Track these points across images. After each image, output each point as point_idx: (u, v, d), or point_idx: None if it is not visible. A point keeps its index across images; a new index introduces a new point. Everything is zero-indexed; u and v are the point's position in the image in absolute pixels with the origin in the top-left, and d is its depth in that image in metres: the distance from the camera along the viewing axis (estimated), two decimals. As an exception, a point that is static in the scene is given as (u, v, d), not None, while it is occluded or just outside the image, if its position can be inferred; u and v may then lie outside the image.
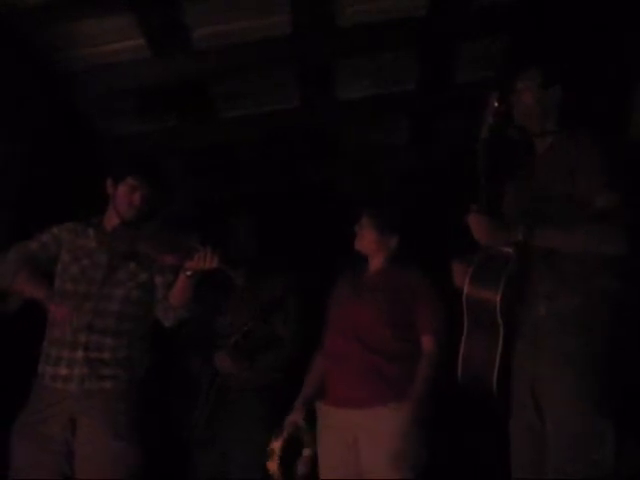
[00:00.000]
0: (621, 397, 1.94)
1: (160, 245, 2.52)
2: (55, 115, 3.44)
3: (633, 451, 2.13)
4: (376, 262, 2.81)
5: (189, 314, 2.65)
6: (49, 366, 2.51)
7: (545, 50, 3.05)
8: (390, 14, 3.16)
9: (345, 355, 2.64)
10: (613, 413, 1.90)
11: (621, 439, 1.89)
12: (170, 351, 3.10)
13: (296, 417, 2.65)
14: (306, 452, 2.64)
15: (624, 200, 1.96)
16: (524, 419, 2.08)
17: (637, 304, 1.99)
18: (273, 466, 2.58)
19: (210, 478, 2.92)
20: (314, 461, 2.63)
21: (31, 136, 3.35)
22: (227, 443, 2.91)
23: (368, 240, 2.79)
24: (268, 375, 3.01)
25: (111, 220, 2.65)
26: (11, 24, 2.98)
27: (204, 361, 3.01)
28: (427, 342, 2.62)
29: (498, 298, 2.00)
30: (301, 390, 2.76)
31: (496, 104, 2.09)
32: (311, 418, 2.70)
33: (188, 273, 2.51)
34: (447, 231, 2.60)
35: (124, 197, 2.61)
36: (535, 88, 2.18)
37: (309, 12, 3.08)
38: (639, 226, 1.96)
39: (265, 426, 2.89)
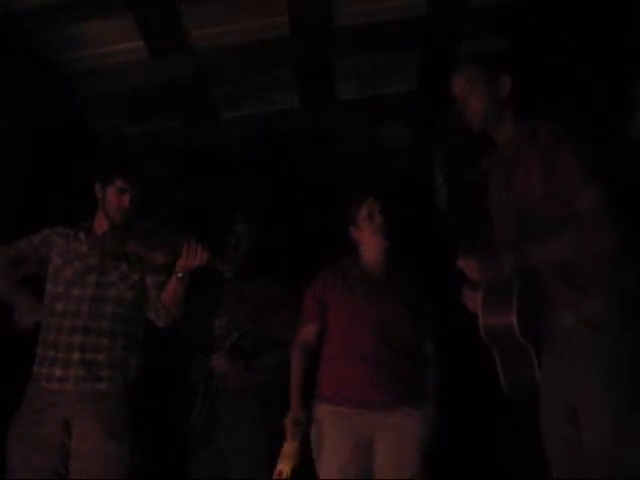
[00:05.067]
0: None
1: (149, 245, 2.55)
2: (55, 116, 3.45)
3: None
4: (372, 254, 2.75)
5: (181, 314, 2.66)
6: (44, 367, 2.52)
7: (545, 52, 3.04)
8: (389, 14, 3.15)
9: (367, 355, 2.58)
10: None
11: None
12: (168, 352, 3.11)
13: (300, 415, 2.62)
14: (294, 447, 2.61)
15: (603, 195, 1.89)
16: (560, 432, 2.02)
17: None
18: (286, 468, 2.54)
19: (208, 478, 2.91)
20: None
21: (31, 136, 3.35)
22: (224, 443, 2.91)
23: (378, 226, 2.72)
24: (265, 375, 3.01)
25: (101, 223, 2.67)
26: (11, 26, 2.98)
27: (201, 362, 3.01)
28: (431, 343, 2.64)
29: (514, 320, 1.94)
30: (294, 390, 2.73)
31: (439, 156, 2.07)
32: None
33: (180, 274, 2.54)
34: (446, 232, 2.58)
35: (113, 200, 2.63)
36: (481, 86, 2.06)
37: (307, 12, 3.07)
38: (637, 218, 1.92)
39: (262, 426, 2.89)
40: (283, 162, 4.16)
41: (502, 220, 2.17)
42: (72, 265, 2.59)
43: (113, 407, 2.49)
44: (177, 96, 3.61)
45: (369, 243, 2.76)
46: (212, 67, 3.38)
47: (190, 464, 2.98)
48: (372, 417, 2.50)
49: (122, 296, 2.60)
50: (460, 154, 2.18)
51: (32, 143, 3.36)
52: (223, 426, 2.93)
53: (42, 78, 3.30)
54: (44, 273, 2.65)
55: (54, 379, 2.49)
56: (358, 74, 3.59)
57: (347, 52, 3.39)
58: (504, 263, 1.96)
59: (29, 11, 2.92)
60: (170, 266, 2.56)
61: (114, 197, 2.63)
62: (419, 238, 3.17)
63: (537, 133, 2.02)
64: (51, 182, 3.39)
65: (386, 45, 3.36)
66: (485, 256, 2.01)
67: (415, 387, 2.55)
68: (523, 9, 3.09)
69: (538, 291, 2.03)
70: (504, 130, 2.12)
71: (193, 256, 2.48)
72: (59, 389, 2.49)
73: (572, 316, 1.97)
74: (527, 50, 3.19)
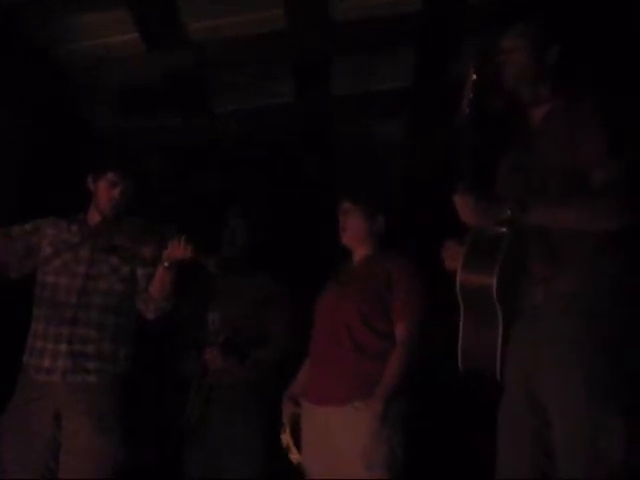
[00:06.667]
0: (632, 388, 1.74)
1: (136, 237, 2.56)
2: (51, 109, 3.44)
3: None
4: (362, 252, 2.71)
5: (170, 307, 2.66)
6: (33, 358, 2.52)
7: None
8: (386, 9, 3.14)
9: (323, 353, 2.61)
10: (623, 407, 1.71)
11: (631, 434, 1.71)
12: (162, 347, 3.11)
13: (291, 408, 2.67)
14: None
15: (625, 171, 1.75)
16: (514, 413, 1.90)
17: None
18: (296, 456, 2.63)
19: (202, 473, 2.91)
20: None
21: (31, 133, 3.34)
22: (218, 438, 2.89)
23: (355, 229, 2.68)
24: (259, 371, 3.00)
25: (93, 216, 2.68)
26: (8, 17, 2.97)
27: (194, 357, 3.01)
28: (398, 330, 2.50)
29: (494, 283, 1.79)
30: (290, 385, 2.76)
31: (474, 77, 1.86)
32: None
33: (166, 264, 2.56)
34: (446, 230, 2.57)
35: (104, 192, 2.64)
36: (528, 46, 1.95)
37: (303, 7, 3.06)
38: None
39: (257, 422, 2.90)
40: (279, 157, 4.16)
41: (511, 184, 2.03)
42: (62, 256, 2.59)
43: (103, 400, 2.49)
44: (174, 89, 3.60)
45: (354, 243, 2.74)
46: (208, 61, 3.37)
47: (184, 461, 2.97)
48: (330, 414, 2.48)
49: (112, 288, 2.60)
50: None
51: (32, 140, 3.36)
52: (217, 423, 2.91)
53: (39, 70, 3.28)
54: (29, 268, 2.63)
55: (42, 370, 2.49)
56: (354, 70, 3.59)
57: (343, 48, 3.38)
58: (500, 212, 1.81)
59: (27, 3, 2.92)
60: (159, 259, 2.57)
61: (105, 190, 2.63)
62: (417, 234, 3.17)
63: (577, 103, 1.90)
64: (50, 179, 3.38)
65: (382, 41, 3.35)
66: (483, 198, 1.85)
67: (368, 385, 2.45)
68: (522, 5, 3.09)
69: (521, 261, 1.90)
70: (538, 97, 2.00)
71: (177, 248, 2.49)
72: (47, 380, 2.48)
73: (542, 292, 1.86)
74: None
